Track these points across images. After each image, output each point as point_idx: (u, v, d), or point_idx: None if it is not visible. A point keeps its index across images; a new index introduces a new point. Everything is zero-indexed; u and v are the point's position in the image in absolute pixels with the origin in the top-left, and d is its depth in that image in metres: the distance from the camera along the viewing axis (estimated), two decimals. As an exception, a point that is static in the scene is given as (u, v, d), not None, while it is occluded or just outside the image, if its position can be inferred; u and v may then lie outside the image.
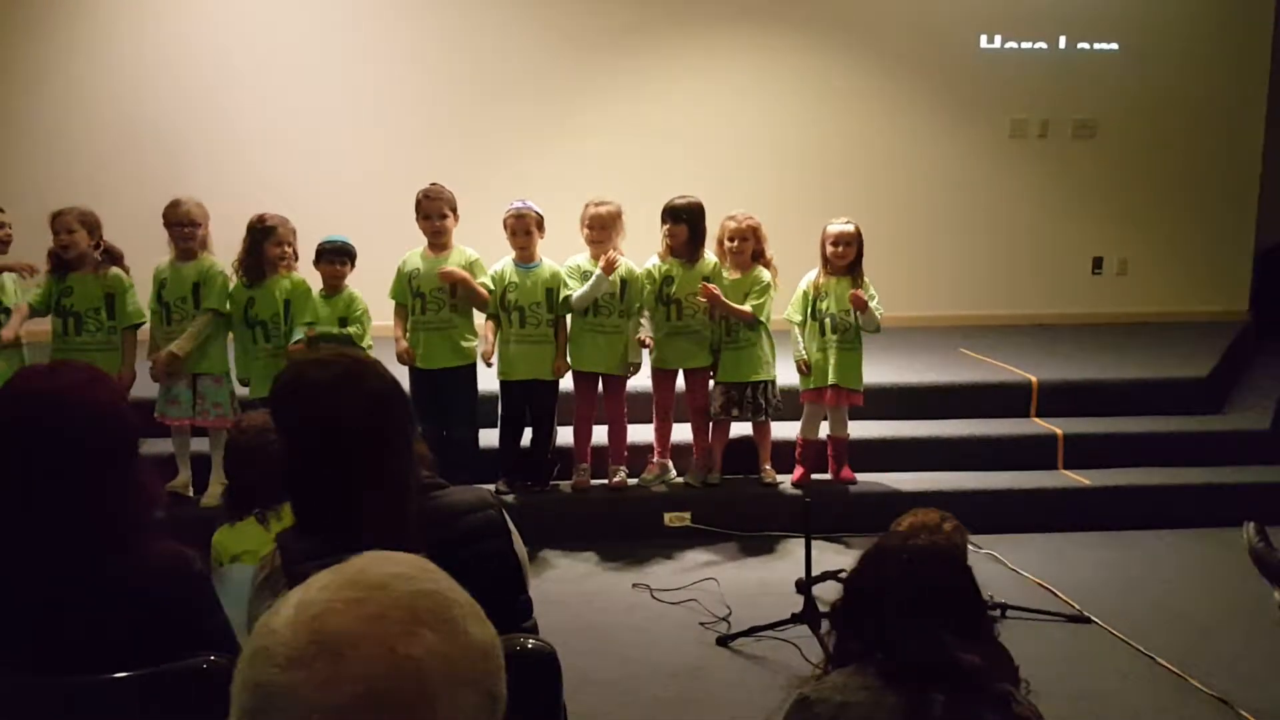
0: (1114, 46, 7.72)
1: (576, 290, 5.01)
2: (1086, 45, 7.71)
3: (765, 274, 5.16)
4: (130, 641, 1.79)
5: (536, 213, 5.05)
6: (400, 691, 0.85)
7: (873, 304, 5.10)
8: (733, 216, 5.20)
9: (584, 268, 5.07)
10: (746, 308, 5.07)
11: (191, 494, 4.90)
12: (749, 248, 5.15)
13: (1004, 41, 7.65)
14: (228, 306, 4.89)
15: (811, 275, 5.22)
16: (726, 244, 5.17)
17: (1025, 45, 7.66)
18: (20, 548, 1.79)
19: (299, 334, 4.79)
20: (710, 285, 5.03)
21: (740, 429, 5.34)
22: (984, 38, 7.64)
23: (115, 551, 1.82)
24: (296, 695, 0.85)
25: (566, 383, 5.19)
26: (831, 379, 5.12)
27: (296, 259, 4.96)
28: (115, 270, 4.85)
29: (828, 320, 5.14)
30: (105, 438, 1.85)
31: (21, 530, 1.80)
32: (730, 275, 5.16)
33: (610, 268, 4.93)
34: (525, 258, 5.08)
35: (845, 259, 5.12)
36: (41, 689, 1.76)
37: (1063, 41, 7.70)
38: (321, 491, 1.88)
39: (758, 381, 5.15)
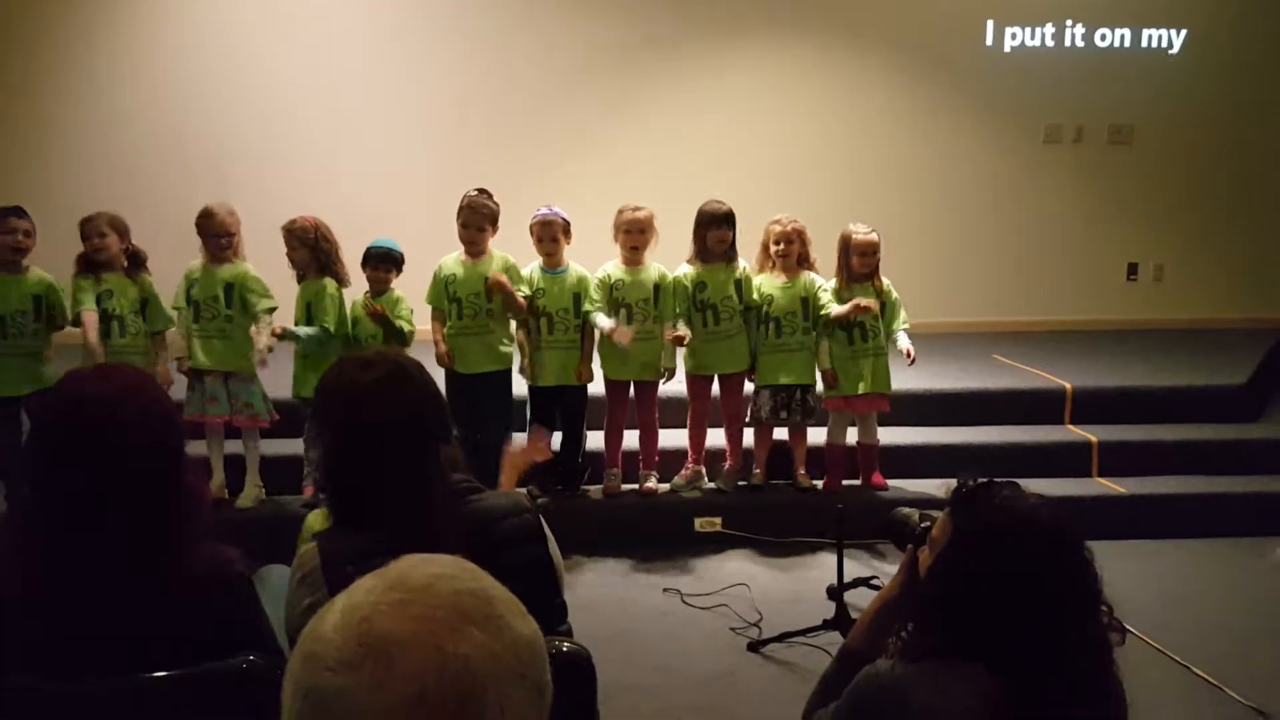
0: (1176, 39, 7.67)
1: (599, 315, 5.01)
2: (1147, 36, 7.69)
3: (820, 278, 5.17)
4: (174, 643, 1.81)
5: (563, 219, 5.06)
6: (452, 689, 0.87)
7: (900, 312, 5.16)
8: (778, 220, 5.20)
9: (615, 277, 5.08)
10: (845, 309, 5.05)
11: (226, 496, 4.94)
12: (795, 250, 5.15)
13: (1032, 31, 7.62)
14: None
15: (833, 284, 5.20)
16: (772, 248, 5.17)
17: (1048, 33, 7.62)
18: (69, 550, 1.82)
19: (289, 327, 4.87)
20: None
21: (774, 435, 5.33)
22: (1010, 33, 7.62)
23: (163, 553, 1.84)
24: (350, 699, 0.87)
25: (597, 387, 5.20)
26: (864, 387, 5.12)
27: (328, 262, 4.94)
28: (146, 275, 4.94)
29: (856, 329, 5.13)
30: (156, 440, 1.87)
31: (70, 533, 1.82)
32: (777, 279, 5.16)
33: (623, 339, 4.93)
34: (553, 264, 5.09)
35: (870, 266, 5.12)
36: (83, 690, 1.78)
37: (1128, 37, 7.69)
38: (358, 489, 1.93)
39: (807, 385, 5.16)
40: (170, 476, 1.88)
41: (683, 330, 5.07)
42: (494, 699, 0.88)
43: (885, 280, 5.17)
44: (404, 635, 0.88)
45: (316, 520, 2.93)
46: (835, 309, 5.07)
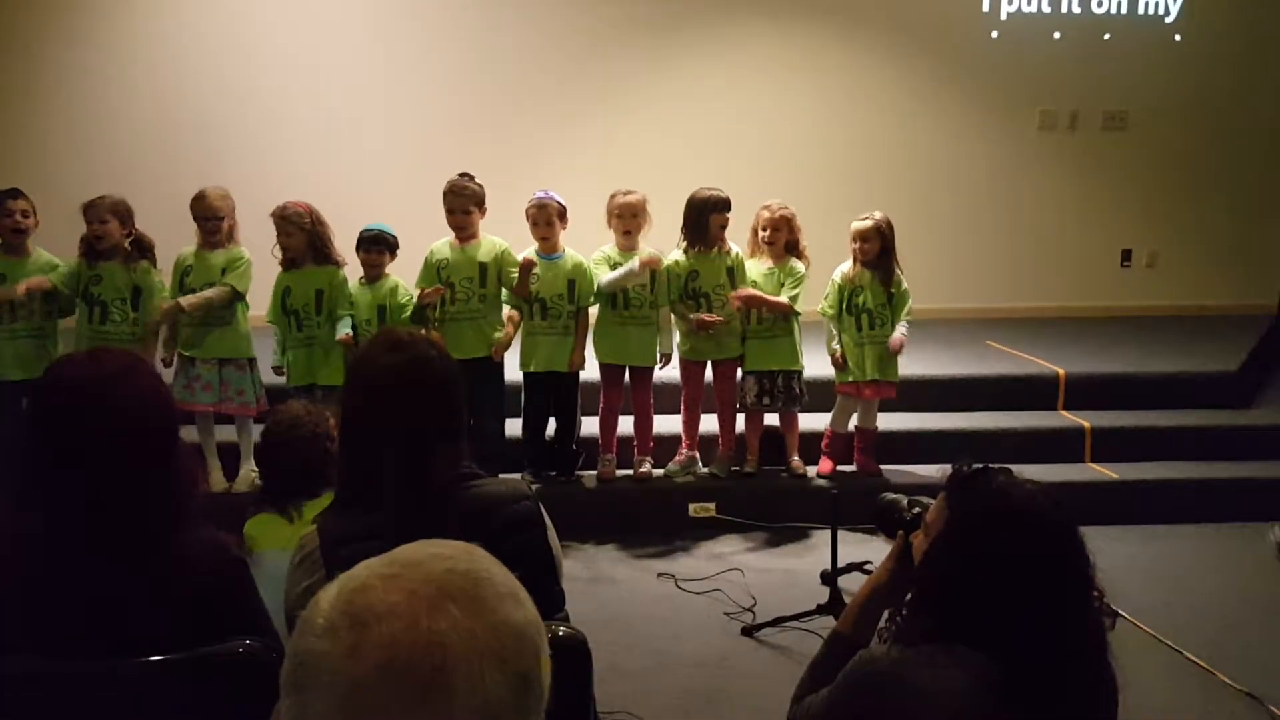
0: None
1: (606, 275, 5.01)
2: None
3: (800, 265, 5.16)
4: (171, 627, 1.81)
5: (558, 203, 5.03)
6: (420, 662, 0.88)
7: (906, 301, 5.15)
8: (768, 206, 5.19)
9: (614, 257, 5.07)
10: (783, 299, 5.07)
11: (226, 484, 4.90)
12: (782, 238, 5.14)
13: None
14: (247, 290, 4.89)
15: (844, 268, 5.20)
16: (760, 233, 5.16)
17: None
18: (65, 535, 1.82)
19: (343, 328, 4.77)
20: (746, 291, 5.02)
21: (767, 420, 5.33)
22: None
23: (158, 538, 1.84)
24: (327, 663, 0.89)
25: (592, 373, 5.20)
26: (872, 374, 5.12)
27: (323, 246, 4.89)
28: (145, 263, 4.87)
29: (864, 315, 5.13)
30: (149, 424, 1.87)
31: (66, 518, 1.82)
32: (763, 265, 5.16)
33: (651, 265, 4.92)
34: (548, 249, 5.07)
35: (871, 253, 5.11)
36: (80, 673, 1.78)
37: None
38: (362, 470, 1.94)
39: (790, 371, 5.15)
40: (164, 461, 1.87)
41: (712, 316, 5.03)
42: (465, 677, 0.89)
43: (899, 270, 5.15)
44: (385, 607, 0.90)
45: (254, 529, 2.93)
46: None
